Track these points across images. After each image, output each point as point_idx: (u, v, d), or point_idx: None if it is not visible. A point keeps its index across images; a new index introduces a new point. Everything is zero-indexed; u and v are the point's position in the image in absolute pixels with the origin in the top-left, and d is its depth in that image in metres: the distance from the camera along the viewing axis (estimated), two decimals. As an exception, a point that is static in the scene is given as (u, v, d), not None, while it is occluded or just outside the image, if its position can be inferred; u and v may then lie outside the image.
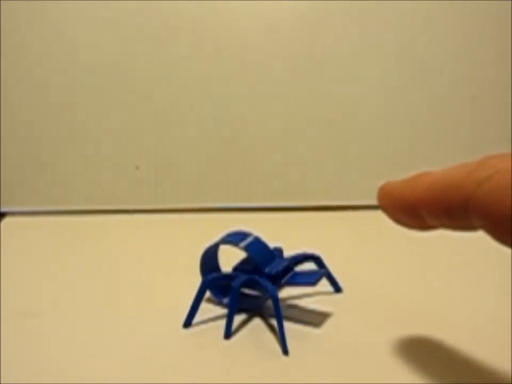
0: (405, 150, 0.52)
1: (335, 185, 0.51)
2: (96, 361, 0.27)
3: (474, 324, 0.29)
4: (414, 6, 0.50)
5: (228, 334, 0.28)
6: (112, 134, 0.50)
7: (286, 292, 0.33)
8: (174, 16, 0.49)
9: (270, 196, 0.51)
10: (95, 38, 0.49)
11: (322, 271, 0.31)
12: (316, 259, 0.32)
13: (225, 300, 0.31)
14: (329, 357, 0.27)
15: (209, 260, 0.32)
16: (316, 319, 0.30)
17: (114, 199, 0.51)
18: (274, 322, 0.29)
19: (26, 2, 0.48)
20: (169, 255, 0.40)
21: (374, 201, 0.23)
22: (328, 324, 0.30)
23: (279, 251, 0.33)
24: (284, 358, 0.27)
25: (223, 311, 0.31)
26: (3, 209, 0.50)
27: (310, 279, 0.29)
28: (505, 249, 0.18)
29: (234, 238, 0.31)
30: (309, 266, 0.32)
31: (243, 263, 0.32)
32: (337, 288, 0.33)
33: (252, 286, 0.30)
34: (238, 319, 0.30)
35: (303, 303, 0.32)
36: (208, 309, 0.31)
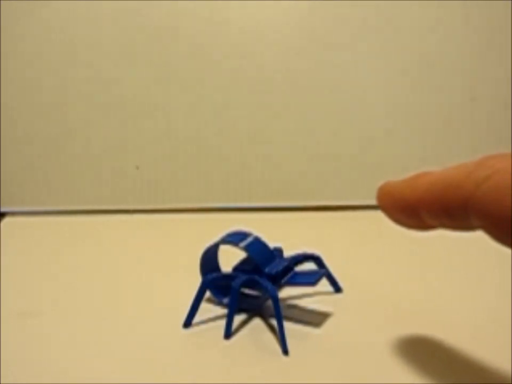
0: (405, 150, 0.52)
1: (335, 185, 0.51)
2: (96, 361, 0.27)
3: (474, 324, 0.29)
4: (414, 6, 0.50)
5: (228, 334, 0.28)
6: (112, 134, 0.50)
7: (286, 292, 0.33)
8: (174, 16, 0.49)
9: (270, 196, 0.51)
10: (95, 37, 0.49)
11: (322, 271, 0.31)
12: (316, 259, 0.32)
13: (225, 300, 0.31)
14: (329, 357, 0.27)
15: (209, 260, 0.32)
16: (315, 319, 0.30)
17: (114, 199, 0.51)
18: (274, 322, 0.29)
19: (26, 2, 0.48)
20: (169, 255, 0.40)
21: (374, 201, 0.23)
22: (328, 324, 0.30)
23: (279, 251, 0.33)
24: (283, 358, 0.27)
25: (223, 311, 0.31)
26: (3, 209, 0.50)
27: (310, 279, 0.29)
28: (505, 249, 0.18)
29: (234, 238, 0.31)
30: (309, 266, 0.32)
31: (243, 263, 0.32)
32: (337, 288, 0.33)
33: (252, 286, 0.30)
34: (238, 319, 0.30)
35: (303, 303, 0.32)
36: (208, 309, 0.31)
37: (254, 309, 0.31)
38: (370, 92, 0.51)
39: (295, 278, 0.30)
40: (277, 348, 0.27)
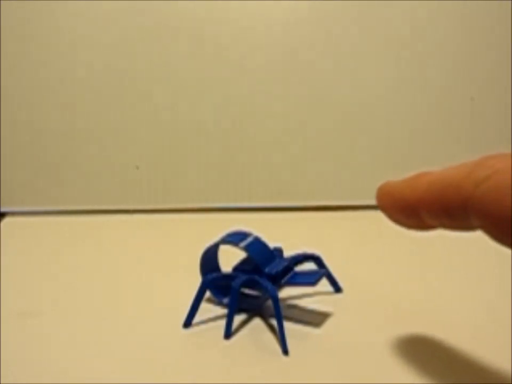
0: (405, 150, 0.52)
1: (335, 185, 0.51)
2: (96, 361, 0.27)
3: (474, 324, 0.29)
4: (414, 6, 0.50)
5: (228, 334, 0.28)
6: (112, 134, 0.50)
7: (286, 292, 0.33)
8: (174, 16, 0.49)
9: (270, 196, 0.51)
10: (95, 38, 0.49)
11: (322, 271, 0.31)
12: (316, 259, 0.32)
13: (225, 300, 0.31)
14: (329, 357, 0.27)
15: (209, 260, 0.32)
16: (315, 319, 0.30)
17: (114, 199, 0.51)
18: (274, 322, 0.29)
19: (26, 2, 0.48)
20: (169, 255, 0.40)
21: (374, 201, 0.23)
22: (328, 324, 0.30)
23: (279, 251, 0.33)
24: (284, 358, 0.27)
25: (223, 311, 0.31)
26: (3, 209, 0.50)
27: (310, 279, 0.29)
28: (505, 249, 0.18)
29: (234, 238, 0.31)
30: (309, 266, 0.32)
31: (243, 263, 0.32)
32: (337, 288, 0.33)
33: (252, 286, 0.30)
34: (238, 319, 0.30)
35: (303, 303, 0.32)
36: (208, 309, 0.31)
37: (254, 309, 0.31)
38: (370, 92, 0.51)
39: (295, 278, 0.30)
40: (277, 348, 0.27)
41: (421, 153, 0.51)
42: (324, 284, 0.32)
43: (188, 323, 0.29)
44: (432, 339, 0.28)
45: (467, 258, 0.39)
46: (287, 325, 0.28)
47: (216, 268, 0.33)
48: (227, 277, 0.30)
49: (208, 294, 0.31)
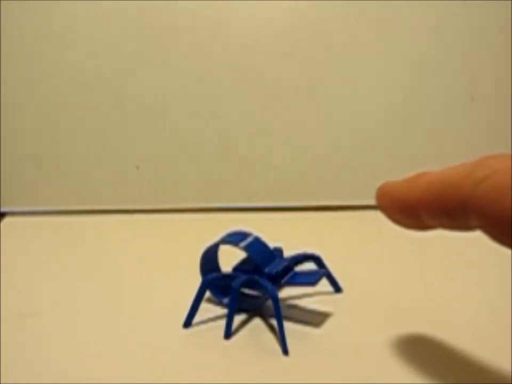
0: (405, 150, 0.52)
1: (335, 185, 0.51)
2: (96, 361, 0.27)
3: (474, 324, 0.29)
4: (414, 6, 0.50)
5: (228, 334, 0.28)
6: (112, 134, 0.50)
7: (286, 292, 0.33)
8: (174, 16, 0.49)
9: (270, 196, 0.51)
10: (95, 37, 0.49)
11: (322, 271, 0.31)
12: (316, 259, 0.32)
13: (225, 300, 0.31)
14: (329, 357, 0.27)
15: (209, 260, 0.32)
16: (316, 319, 0.30)
17: (114, 199, 0.51)
18: (274, 322, 0.29)
19: (26, 2, 0.48)
20: (169, 255, 0.40)
21: (374, 201, 0.23)
22: (328, 324, 0.30)
23: (279, 251, 0.33)
24: (284, 358, 0.27)
25: (223, 311, 0.31)
26: (3, 209, 0.50)
27: (310, 279, 0.29)
28: (504, 249, 0.18)
29: (234, 238, 0.31)
30: (309, 266, 0.32)
31: (243, 263, 0.32)
32: (337, 288, 0.33)
33: (252, 286, 0.30)
34: (238, 319, 0.30)
35: (303, 303, 0.32)
36: (208, 309, 0.31)
37: (254, 309, 0.31)
38: (370, 92, 0.51)
39: (295, 278, 0.30)
40: (277, 348, 0.27)
41: (421, 153, 0.51)
42: (324, 284, 0.32)
43: (187, 323, 0.29)
44: (432, 339, 0.28)
45: (467, 258, 0.39)
46: (287, 325, 0.28)
47: (216, 268, 0.33)
48: (227, 277, 0.30)
49: (208, 294, 0.31)
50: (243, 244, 0.30)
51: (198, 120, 0.50)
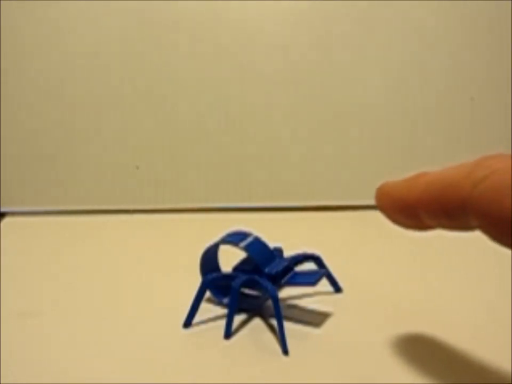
0: (405, 150, 0.52)
1: (335, 185, 0.51)
2: (96, 361, 0.27)
3: (474, 324, 0.29)
4: (414, 6, 0.50)
5: (228, 334, 0.28)
6: (112, 134, 0.50)
7: (286, 292, 0.33)
8: (174, 16, 0.49)
9: (270, 196, 0.51)
10: (95, 37, 0.49)
11: (322, 271, 0.31)
12: (316, 259, 0.32)
13: (225, 300, 0.31)
14: (329, 357, 0.27)
15: (209, 260, 0.32)
16: (315, 319, 0.30)
17: (114, 199, 0.51)
18: (274, 322, 0.29)
19: (26, 2, 0.48)
20: (169, 255, 0.40)
21: (374, 201, 0.23)
22: (328, 324, 0.30)
23: (279, 251, 0.33)
24: (284, 358, 0.27)
25: (223, 311, 0.31)
26: (3, 209, 0.50)
27: (310, 279, 0.29)
28: (504, 249, 0.18)
29: (234, 238, 0.31)
30: (309, 266, 0.32)
31: (243, 263, 0.32)
32: (337, 288, 0.33)
33: (252, 286, 0.30)
34: (238, 319, 0.30)
35: (303, 303, 0.32)
36: (208, 309, 0.31)
37: (254, 309, 0.31)
38: (370, 92, 0.51)
39: (295, 278, 0.30)
40: (277, 348, 0.27)
41: (421, 153, 0.51)
42: (324, 284, 0.32)
43: (187, 323, 0.29)
44: (432, 339, 0.28)
45: (467, 258, 0.39)
46: (287, 325, 0.28)
47: (216, 268, 0.33)
48: (227, 277, 0.30)
49: (208, 294, 0.31)
50: (243, 244, 0.30)
51: (198, 120, 0.50)
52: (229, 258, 0.32)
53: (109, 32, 0.49)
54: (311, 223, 0.48)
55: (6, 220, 0.50)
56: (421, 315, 0.30)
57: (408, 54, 0.51)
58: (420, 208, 0.20)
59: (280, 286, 0.31)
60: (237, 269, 0.31)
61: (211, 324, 0.30)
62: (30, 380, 0.25)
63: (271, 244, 0.31)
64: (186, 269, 0.33)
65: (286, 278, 0.30)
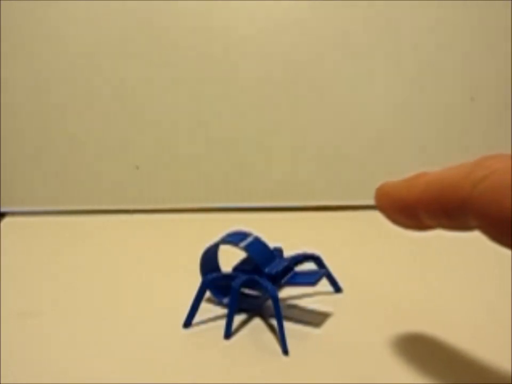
0: (405, 150, 0.52)
1: (335, 185, 0.51)
2: (96, 361, 0.27)
3: (474, 324, 0.29)
4: (414, 6, 0.50)
5: (228, 334, 0.28)
6: (112, 134, 0.50)
7: (286, 292, 0.33)
8: (174, 16, 0.49)
9: (270, 196, 0.51)
10: (95, 37, 0.49)
11: (322, 271, 0.31)
12: (316, 259, 0.32)
13: (225, 300, 0.31)
14: (329, 357, 0.27)
15: (209, 260, 0.32)
16: (316, 319, 0.30)
17: (114, 199, 0.51)
18: (274, 322, 0.29)
19: (26, 2, 0.48)
20: (169, 255, 0.40)
21: (373, 201, 0.23)
22: (328, 324, 0.30)
23: (279, 251, 0.33)
24: (284, 358, 0.27)
25: (223, 311, 0.31)
26: (3, 209, 0.50)
27: (310, 279, 0.29)
28: (504, 249, 0.18)
29: (234, 238, 0.31)
30: (309, 266, 0.32)
31: (243, 263, 0.32)
32: (337, 288, 0.33)
33: (252, 286, 0.30)
34: (238, 319, 0.30)
35: (303, 303, 0.32)
36: (208, 309, 0.31)
37: (254, 309, 0.31)
38: (370, 92, 0.51)
39: (295, 278, 0.30)
40: (277, 348, 0.27)
41: (421, 153, 0.51)
42: (324, 284, 0.32)
43: (187, 323, 0.29)
44: (432, 339, 0.28)
45: (467, 258, 0.39)
46: (287, 325, 0.28)
47: (216, 268, 0.33)
48: (227, 277, 0.30)
49: (208, 294, 0.31)
50: (243, 244, 0.30)
51: (198, 120, 0.50)
52: (229, 258, 0.32)
53: (108, 32, 0.49)
54: (311, 223, 0.48)
55: (6, 219, 0.50)
56: (421, 315, 0.30)
57: (408, 54, 0.51)
58: (420, 208, 0.20)
59: (280, 286, 0.31)
60: (237, 269, 0.31)
61: (211, 324, 0.30)
62: (30, 380, 0.25)
63: (271, 244, 0.31)
64: (186, 269, 0.33)
65: (286, 278, 0.30)
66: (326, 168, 0.51)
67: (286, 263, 0.30)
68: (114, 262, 0.39)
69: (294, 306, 0.32)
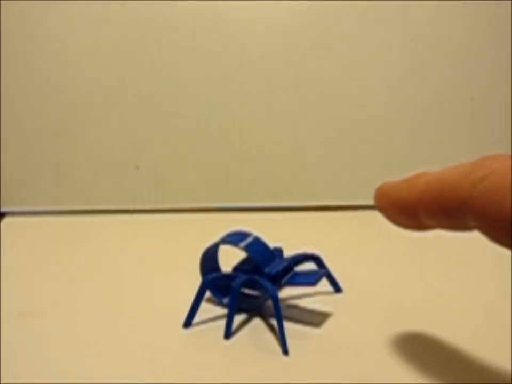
0: (405, 150, 0.52)
1: (335, 185, 0.51)
2: (96, 361, 0.27)
3: (474, 324, 0.29)
4: (414, 6, 0.50)
5: (228, 334, 0.28)
6: (112, 134, 0.50)
7: (286, 292, 0.33)
8: (174, 16, 0.49)
9: (270, 196, 0.51)
10: (95, 37, 0.49)
11: (322, 271, 0.31)
12: (316, 259, 0.32)
13: (225, 300, 0.31)
14: (329, 357, 0.27)
15: (209, 260, 0.32)
16: (315, 319, 0.30)
17: (114, 199, 0.51)
18: (274, 322, 0.29)
19: (26, 2, 0.48)
20: (169, 255, 0.40)
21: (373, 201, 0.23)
22: (328, 324, 0.30)
23: (279, 251, 0.33)
24: (284, 358, 0.27)
25: (223, 311, 0.31)
26: (3, 209, 0.50)
27: (310, 279, 0.29)
28: (504, 249, 0.18)
29: (234, 238, 0.31)
30: (309, 266, 0.32)
31: (243, 263, 0.32)
32: (337, 288, 0.33)
33: (252, 286, 0.30)
34: (238, 319, 0.30)
35: (303, 303, 0.32)
36: (208, 309, 0.31)
37: (254, 309, 0.31)
38: (370, 92, 0.51)
39: (295, 278, 0.30)
40: (277, 348, 0.27)
41: (421, 153, 0.51)
42: (324, 284, 0.32)
43: (187, 323, 0.29)
44: (432, 339, 0.28)
45: (467, 258, 0.39)
46: (287, 325, 0.28)
47: (216, 268, 0.33)
48: (227, 277, 0.30)
49: (208, 294, 0.31)
50: (243, 244, 0.30)
51: (198, 120, 0.50)
52: (229, 258, 0.32)
53: (108, 32, 0.49)
54: (311, 223, 0.48)
55: (6, 219, 0.50)
56: (421, 315, 0.30)
57: (408, 54, 0.51)
58: (419, 208, 0.20)
59: (280, 286, 0.31)
60: (237, 269, 0.31)
61: (211, 324, 0.30)
62: (30, 380, 0.25)
63: (271, 244, 0.31)
64: (186, 269, 0.33)
65: (286, 278, 0.30)
66: (326, 168, 0.51)
67: (286, 263, 0.30)
68: (114, 262, 0.39)
69: (294, 306, 0.32)
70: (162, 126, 0.50)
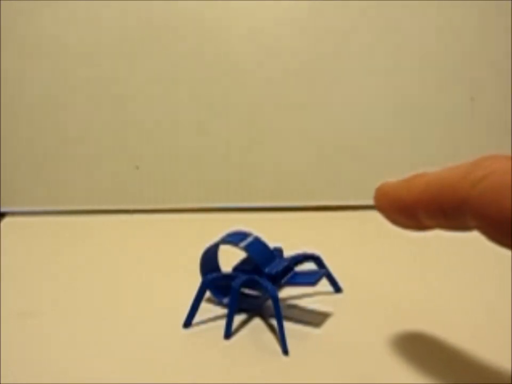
0: (405, 150, 0.52)
1: (335, 185, 0.51)
2: (96, 361, 0.27)
3: (474, 324, 0.29)
4: (414, 6, 0.50)
5: (228, 334, 0.28)
6: (112, 134, 0.50)
7: (286, 292, 0.33)
8: (174, 16, 0.49)
9: (270, 196, 0.51)
10: (95, 37, 0.49)
11: (322, 271, 0.31)
12: (316, 259, 0.32)
13: (225, 300, 0.31)
14: (329, 357, 0.27)
15: (209, 260, 0.32)
16: (316, 319, 0.30)
17: (114, 199, 0.51)
18: (274, 322, 0.29)
19: (26, 2, 0.48)
20: (169, 255, 0.40)
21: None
22: (328, 324, 0.30)
23: (279, 251, 0.33)
24: (284, 358, 0.27)
25: (223, 311, 0.31)
26: (3, 209, 0.50)
27: (310, 279, 0.29)
28: (504, 249, 0.18)
29: (234, 238, 0.31)
30: (309, 266, 0.32)
31: (243, 263, 0.32)
32: (337, 288, 0.33)
33: (252, 286, 0.30)
34: (238, 319, 0.30)
35: (303, 303, 0.32)
36: (208, 309, 0.31)
37: (254, 309, 0.31)
38: (371, 92, 0.51)
39: (295, 278, 0.30)
40: (277, 348, 0.27)
41: (421, 153, 0.51)
42: (324, 284, 0.32)
43: (187, 323, 0.29)
44: (432, 339, 0.28)
45: (467, 258, 0.39)
46: (287, 325, 0.28)
47: (216, 268, 0.33)
48: (227, 277, 0.30)
49: (208, 294, 0.31)
50: (243, 244, 0.30)
51: (198, 120, 0.50)
52: (229, 258, 0.32)
53: (109, 32, 0.49)
54: (311, 223, 0.48)
55: (6, 219, 0.50)
56: (421, 315, 0.30)
57: (408, 54, 0.51)
58: (419, 208, 0.20)
59: (280, 286, 0.31)
60: (237, 269, 0.31)
61: (211, 324, 0.30)
62: (30, 380, 0.25)
63: (271, 244, 0.31)
64: (186, 269, 0.33)
65: (286, 278, 0.30)
66: (326, 168, 0.51)
67: (286, 263, 0.30)
68: (114, 262, 0.39)
69: (294, 306, 0.32)
70: (162, 126, 0.50)
